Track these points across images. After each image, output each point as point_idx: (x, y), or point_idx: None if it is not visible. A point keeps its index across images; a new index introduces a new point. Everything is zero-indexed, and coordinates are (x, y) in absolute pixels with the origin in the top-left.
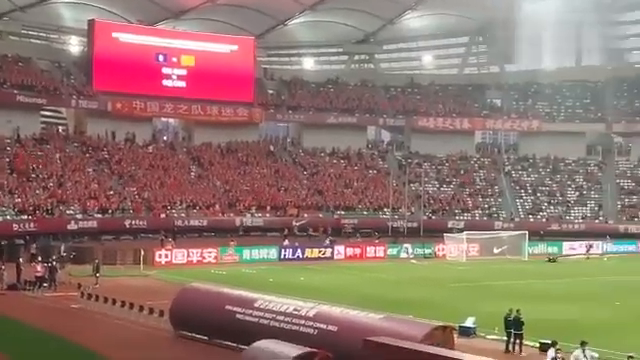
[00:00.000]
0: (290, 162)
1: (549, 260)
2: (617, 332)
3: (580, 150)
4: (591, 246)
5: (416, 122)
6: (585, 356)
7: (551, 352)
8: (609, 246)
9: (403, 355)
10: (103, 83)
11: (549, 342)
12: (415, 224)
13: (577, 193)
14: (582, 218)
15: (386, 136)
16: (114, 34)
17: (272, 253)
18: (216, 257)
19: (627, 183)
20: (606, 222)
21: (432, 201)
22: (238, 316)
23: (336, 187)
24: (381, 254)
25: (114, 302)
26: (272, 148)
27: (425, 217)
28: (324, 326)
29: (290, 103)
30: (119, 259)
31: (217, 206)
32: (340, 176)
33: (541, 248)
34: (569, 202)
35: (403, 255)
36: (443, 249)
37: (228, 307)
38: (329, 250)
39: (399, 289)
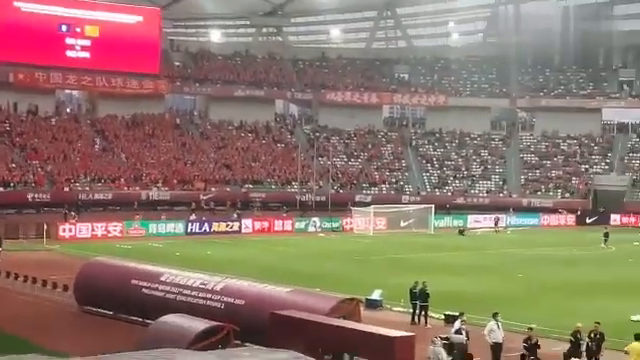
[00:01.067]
0: (197, 135)
1: (460, 232)
2: (519, 304)
3: (485, 125)
4: (499, 219)
5: (324, 96)
6: (499, 327)
7: (457, 323)
8: (512, 219)
9: (310, 328)
10: (4, 53)
11: (455, 314)
12: (323, 198)
13: (482, 167)
14: (487, 192)
15: (294, 110)
16: (15, 3)
17: (179, 227)
18: (121, 231)
19: (530, 157)
20: (510, 196)
21: (340, 175)
22: (144, 290)
23: (244, 161)
24: (289, 228)
25: (16, 277)
26: (178, 121)
27: (333, 191)
28: (231, 300)
29: (197, 75)
30: (22, 233)
31: (122, 180)
32: (248, 150)
33: (447, 221)
34: (474, 176)
35: (311, 229)
36: (351, 223)
37: (134, 281)
38: (236, 224)
39: (307, 263)
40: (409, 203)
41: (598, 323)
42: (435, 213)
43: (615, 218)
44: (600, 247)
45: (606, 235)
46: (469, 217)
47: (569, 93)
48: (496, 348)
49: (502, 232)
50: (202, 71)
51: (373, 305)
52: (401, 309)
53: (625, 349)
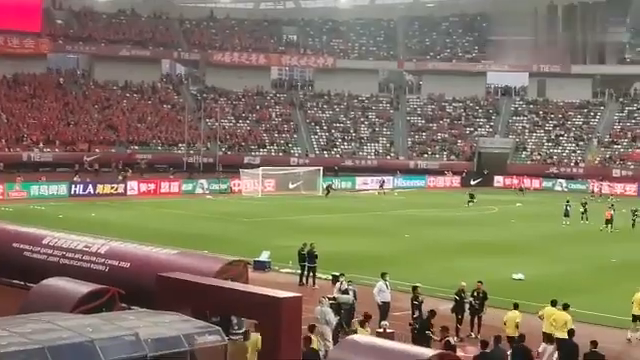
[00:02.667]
0: (80, 95)
1: (327, 191)
2: (406, 264)
3: (373, 87)
4: (384, 181)
5: (212, 56)
6: (387, 287)
7: (340, 284)
8: (399, 181)
9: (197, 290)
10: None
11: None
12: (211, 159)
13: (370, 130)
14: (375, 154)
15: (181, 70)
16: None
17: (62, 189)
18: (2, 193)
19: (417, 120)
20: (397, 158)
21: (228, 137)
22: (26, 254)
23: (129, 122)
24: (176, 190)
25: None
26: (61, 81)
27: (221, 153)
28: (116, 263)
29: (80, 34)
30: None
31: (3, 141)
32: (133, 110)
33: (336, 183)
34: (362, 138)
35: (198, 191)
36: (239, 184)
37: (15, 245)
38: (122, 186)
39: (194, 225)
40: (298, 165)
41: (481, 282)
42: (323, 175)
43: (498, 180)
44: (465, 206)
45: (471, 196)
46: (357, 179)
47: (455, 56)
48: (384, 307)
49: (388, 194)
50: (85, 30)
51: (261, 267)
52: (289, 270)
53: (539, 314)
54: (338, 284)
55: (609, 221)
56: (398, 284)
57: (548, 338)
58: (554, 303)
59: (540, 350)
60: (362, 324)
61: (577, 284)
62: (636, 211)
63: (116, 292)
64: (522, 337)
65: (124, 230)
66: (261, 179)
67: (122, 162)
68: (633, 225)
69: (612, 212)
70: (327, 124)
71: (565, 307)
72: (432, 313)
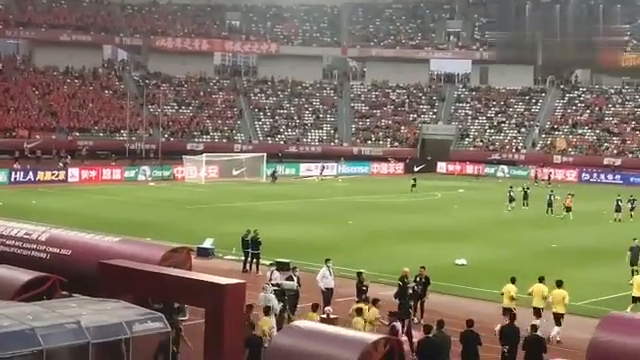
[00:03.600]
0: (20, 81)
1: (273, 178)
2: (350, 250)
3: (317, 74)
4: (324, 167)
5: (154, 42)
6: (331, 273)
7: (269, 273)
8: (343, 168)
9: (139, 277)
10: None
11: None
12: (153, 146)
13: (314, 116)
14: (319, 141)
15: (123, 56)
16: None
17: (2, 176)
18: None
19: (361, 107)
20: (341, 145)
21: (171, 123)
22: None
23: (70, 108)
24: (118, 177)
25: None
26: (1, 67)
27: (163, 139)
28: (57, 250)
29: (20, 19)
30: None
31: None
32: (74, 96)
33: (279, 170)
34: (306, 125)
35: (141, 177)
36: (182, 171)
37: None
38: (63, 173)
39: (137, 212)
40: (241, 152)
41: (423, 267)
42: (267, 161)
43: (442, 166)
44: (409, 192)
45: (414, 181)
46: (301, 165)
47: (398, 43)
48: (327, 293)
49: (330, 180)
50: (25, 15)
51: (205, 254)
52: (233, 257)
53: (529, 291)
54: (269, 273)
55: (569, 209)
56: (342, 270)
57: (537, 313)
58: (542, 279)
59: (537, 323)
60: (314, 309)
61: (518, 269)
62: (572, 195)
63: (57, 280)
64: (471, 322)
65: (65, 217)
66: (204, 166)
67: (63, 149)
68: (551, 212)
69: (572, 200)
70: (271, 110)
71: (559, 284)
72: (375, 301)
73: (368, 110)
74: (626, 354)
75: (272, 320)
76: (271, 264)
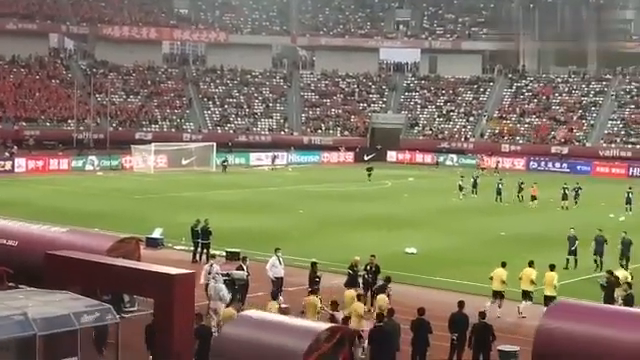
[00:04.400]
0: None
1: (223, 167)
2: (300, 239)
3: (266, 62)
4: (276, 157)
5: (101, 30)
6: (280, 262)
7: (207, 266)
8: (294, 157)
9: (87, 268)
10: None
11: (237, 250)
12: (101, 136)
13: (264, 105)
14: (269, 130)
15: (70, 44)
16: None
17: None
18: None
19: (311, 96)
20: (291, 134)
21: (119, 112)
22: None
23: (16, 97)
24: (65, 167)
25: None
26: None
27: (111, 129)
28: (3, 241)
29: None
30: None
31: None
32: (20, 86)
33: (229, 159)
34: (256, 114)
35: (89, 167)
36: (130, 161)
37: None
38: (9, 163)
39: (85, 202)
40: (190, 141)
41: (374, 256)
42: (217, 151)
43: (391, 155)
44: (367, 182)
45: (369, 170)
46: (251, 155)
47: (348, 32)
48: (277, 283)
49: (281, 169)
50: None
51: (154, 244)
52: (182, 247)
53: (491, 275)
54: (207, 266)
55: (534, 197)
56: (292, 259)
57: (525, 295)
58: (531, 264)
59: (521, 307)
60: (274, 297)
61: (467, 257)
62: (522, 184)
63: (3, 271)
64: (422, 310)
65: (12, 208)
66: (153, 155)
67: (10, 139)
68: (521, 199)
69: (537, 189)
70: (220, 100)
71: (552, 267)
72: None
73: (318, 99)
74: (572, 340)
75: (222, 310)
76: (212, 256)
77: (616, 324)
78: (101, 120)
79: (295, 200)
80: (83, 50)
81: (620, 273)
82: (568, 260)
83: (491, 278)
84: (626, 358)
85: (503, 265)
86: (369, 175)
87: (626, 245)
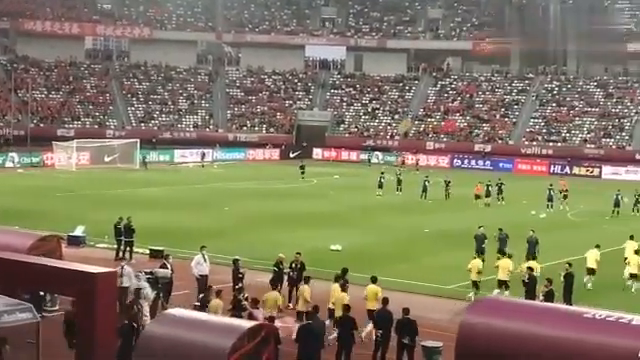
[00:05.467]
0: None
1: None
2: (225, 236)
3: (191, 59)
4: (204, 154)
5: (22, 25)
6: (205, 260)
7: (119, 269)
8: (219, 154)
9: (7, 267)
10: None
11: (160, 248)
12: (22, 132)
13: (188, 102)
14: (193, 127)
15: None
16: None
17: None
18: None
19: (237, 92)
20: (217, 131)
21: (40, 108)
22: None
23: None
24: None
25: None
26: None
27: (33, 125)
28: None
29: None
30: None
31: None
32: None
33: (153, 156)
34: (181, 110)
35: (9, 164)
36: (52, 158)
37: None
38: None
39: (4, 200)
40: (114, 138)
41: (299, 253)
42: (141, 148)
43: (317, 152)
44: (301, 180)
45: (302, 168)
46: (176, 152)
47: (273, 29)
48: (202, 280)
49: (208, 166)
50: None
51: (76, 242)
52: (105, 245)
53: (495, 265)
54: (119, 269)
55: (478, 196)
56: (218, 257)
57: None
58: (509, 255)
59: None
60: (217, 294)
61: (392, 254)
62: (449, 182)
63: None
64: (347, 307)
65: None
66: (75, 152)
67: None
68: (447, 196)
69: (482, 187)
70: (144, 96)
71: (373, 280)
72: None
73: (243, 96)
74: (494, 336)
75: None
76: (121, 258)
77: (537, 320)
78: (22, 116)
79: (220, 197)
80: (4, 45)
81: (532, 264)
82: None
83: (469, 270)
84: (547, 353)
85: (507, 256)
86: (302, 173)
87: (532, 244)
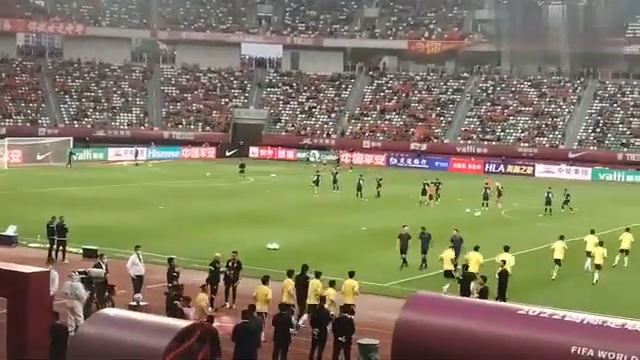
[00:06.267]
0: None
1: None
2: (161, 236)
3: (125, 56)
4: (138, 152)
5: None
6: (140, 260)
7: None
8: (154, 152)
9: None
10: None
11: (94, 248)
12: None
13: (123, 99)
14: (128, 124)
15: None
16: None
17: None
18: None
19: (172, 90)
20: (152, 129)
21: None
22: None
23: None
24: None
25: None
26: None
27: None
28: None
29: None
30: None
31: None
32: None
33: (87, 154)
34: (115, 108)
35: None
36: None
37: None
38: None
39: None
40: (46, 135)
41: (235, 252)
42: (74, 146)
43: (254, 151)
44: (237, 178)
45: (242, 167)
46: (110, 150)
47: (209, 27)
48: (138, 281)
49: (143, 165)
50: None
51: (7, 242)
52: (38, 245)
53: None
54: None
55: (431, 197)
56: (153, 257)
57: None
58: (476, 248)
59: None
60: (203, 288)
61: (330, 252)
62: (380, 180)
63: None
64: (284, 306)
65: None
66: (6, 150)
67: None
68: (378, 194)
69: (435, 188)
70: (77, 93)
71: (351, 275)
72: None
73: (179, 94)
74: (430, 333)
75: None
76: (53, 259)
77: (472, 316)
78: None
79: (155, 196)
80: None
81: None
82: (404, 260)
83: (441, 259)
84: (482, 350)
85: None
86: (242, 172)
87: (457, 243)
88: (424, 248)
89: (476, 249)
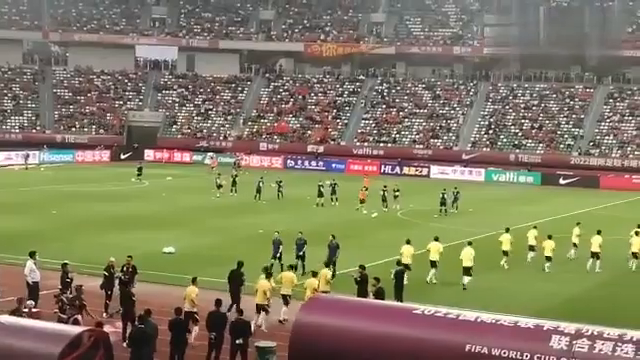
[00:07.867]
0: None
1: None
2: (54, 241)
3: (17, 58)
4: (29, 155)
5: None
6: (36, 266)
7: (29, 263)
8: (46, 156)
9: None
10: None
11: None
12: None
13: (14, 102)
14: (19, 128)
15: None
16: None
17: None
18: None
19: (64, 92)
20: (44, 132)
21: None
22: None
23: None
24: None
25: None
26: None
27: None
28: None
29: None
30: None
31: None
32: None
33: None
34: (6, 111)
35: None
36: None
37: None
38: None
39: None
40: None
41: (130, 257)
42: None
43: (149, 154)
44: (132, 181)
45: (139, 170)
46: (0, 154)
47: (102, 28)
48: (34, 287)
49: (34, 169)
50: None
51: None
52: None
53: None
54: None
55: (363, 201)
56: (47, 262)
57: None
58: (437, 238)
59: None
60: (193, 281)
61: (226, 255)
62: (281, 182)
63: None
64: (179, 310)
65: None
66: None
67: None
68: (279, 196)
69: (365, 193)
70: None
71: (314, 274)
72: (79, 288)
73: (72, 96)
74: (326, 334)
75: None
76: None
77: (368, 317)
78: None
79: (48, 200)
80: None
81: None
82: (272, 265)
83: (400, 253)
84: (378, 350)
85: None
86: (139, 175)
87: (332, 249)
88: (299, 255)
89: (436, 239)
